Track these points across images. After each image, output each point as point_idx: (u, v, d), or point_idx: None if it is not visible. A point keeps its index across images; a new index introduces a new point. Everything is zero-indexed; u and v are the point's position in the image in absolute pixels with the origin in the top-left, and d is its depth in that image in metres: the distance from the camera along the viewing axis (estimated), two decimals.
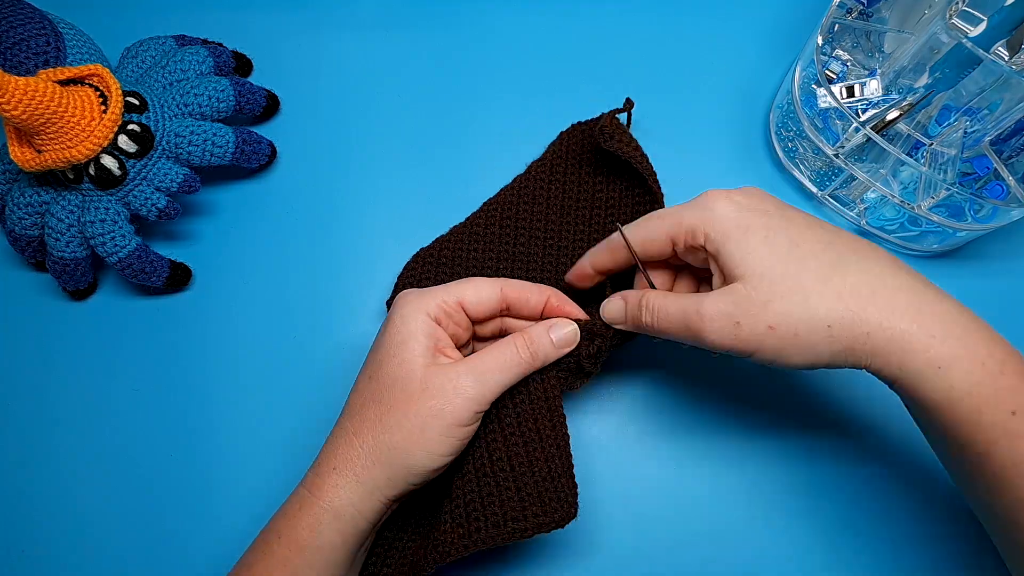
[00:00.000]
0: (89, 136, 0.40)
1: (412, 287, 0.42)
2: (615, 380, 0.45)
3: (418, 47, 0.54)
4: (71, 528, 0.43)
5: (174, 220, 0.46)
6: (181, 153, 0.45)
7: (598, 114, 0.48)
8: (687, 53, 0.53)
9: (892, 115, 0.45)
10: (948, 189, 0.42)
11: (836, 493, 0.42)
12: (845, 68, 0.48)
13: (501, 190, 0.47)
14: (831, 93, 0.44)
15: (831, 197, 0.49)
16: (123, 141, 0.42)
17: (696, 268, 0.38)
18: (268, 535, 0.35)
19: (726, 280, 0.34)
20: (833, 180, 0.47)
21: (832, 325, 0.31)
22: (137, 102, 0.43)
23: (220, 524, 0.42)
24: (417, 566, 0.35)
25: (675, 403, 0.44)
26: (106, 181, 0.42)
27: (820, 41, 0.44)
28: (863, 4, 0.47)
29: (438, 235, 0.46)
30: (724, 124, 0.52)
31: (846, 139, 0.45)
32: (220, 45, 0.51)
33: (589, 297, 0.41)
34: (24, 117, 0.37)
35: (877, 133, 0.43)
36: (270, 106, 0.51)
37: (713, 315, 0.32)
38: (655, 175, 0.44)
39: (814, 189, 0.49)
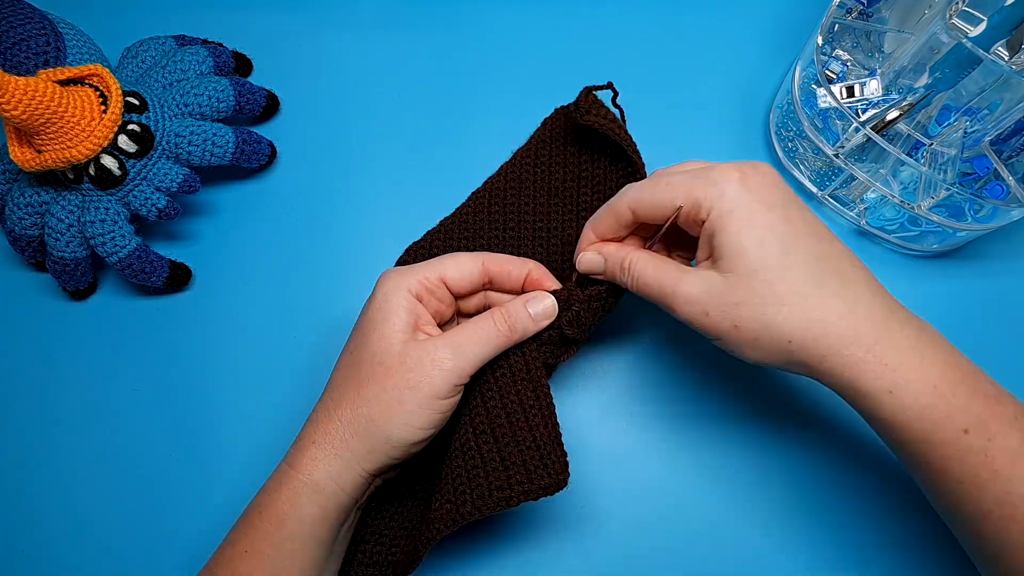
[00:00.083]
0: (89, 136, 0.40)
1: None
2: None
3: (418, 47, 0.54)
4: (71, 528, 0.43)
5: (174, 220, 0.46)
6: (181, 153, 0.45)
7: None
8: (687, 53, 0.53)
9: (892, 115, 0.45)
10: (948, 189, 0.42)
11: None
12: (845, 68, 0.48)
13: (487, 179, 0.47)
14: (831, 93, 0.44)
15: (831, 197, 0.49)
16: (123, 141, 0.42)
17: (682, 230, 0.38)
18: (250, 511, 0.35)
19: (711, 262, 0.34)
20: (833, 180, 0.47)
21: (792, 341, 0.32)
22: (137, 102, 0.43)
23: (220, 524, 0.42)
24: (413, 551, 0.36)
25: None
26: (106, 181, 0.42)
27: (820, 41, 0.44)
28: (863, 4, 0.47)
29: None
30: (724, 124, 0.52)
31: (846, 139, 0.45)
32: (220, 45, 0.51)
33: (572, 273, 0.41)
34: (24, 117, 0.37)
35: (877, 133, 0.43)
36: (270, 106, 0.51)
37: (686, 298, 0.34)
38: (634, 145, 0.44)
39: (814, 189, 0.49)
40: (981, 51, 0.42)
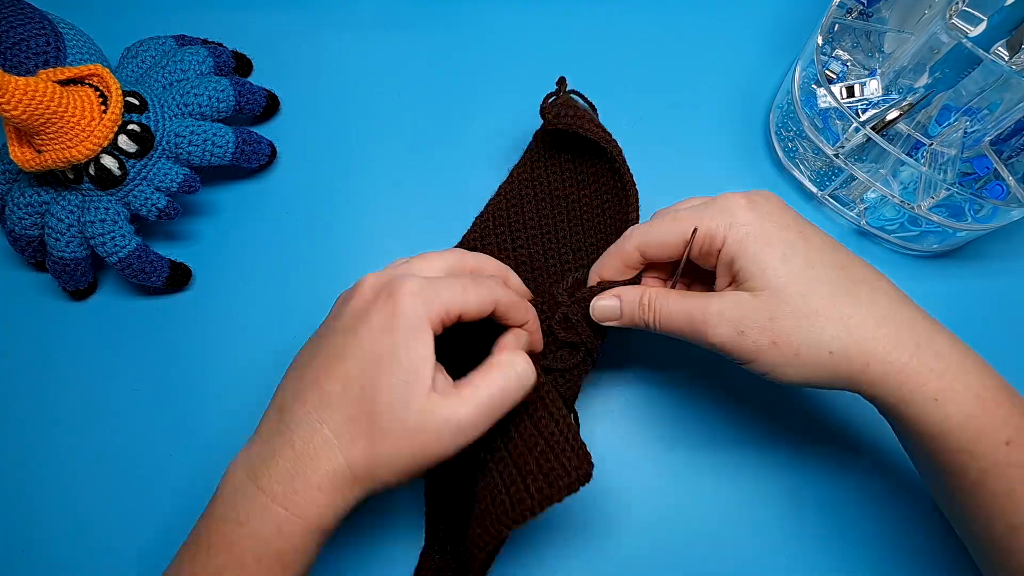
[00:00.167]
0: (89, 136, 0.40)
1: None
2: (609, 380, 0.45)
3: (418, 47, 0.54)
4: (71, 528, 0.43)
5: (174, 220, 0.46)
6: (181, 153, 0.45)
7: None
8: (687, 53, 0.53)
9: (892, 115, 0.45)
10: (948, 189, 0.42)
11: (830, 492, 0.42)
12: (845, 68, 0.48)
13: (488, 203, 0.47)
14: (831, 93, 0.44)
15: (831, 197, 0.49)
16: (123, 141, 0.42)
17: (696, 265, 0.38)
18: (242, 555, 0.31)
19: (735, 285, 0.34)
20: (833, 180, 0.47)
21: (834, 351, 0.32)
22: (137, 102, 0.43)
23: None
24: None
25: (671, 402, 0.45)
26: (106, 181, 0.42)
27: (820, 41, 0.44)
28: (863, 4, 0.47)
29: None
30: (724, 124, 0.52)
31: (846, 139, 0.45)
32: (220, 45, 0.51)
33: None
34: (24, 117, 0.37)
35: (877, 133, 0.43)
36: (270, 106, 0.51)
37: (719, 320, 0.33)
38: (608, 135, 0.43)
39: (814, 189, 0.49)
40: (981, 51, 0.42)
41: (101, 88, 0.42)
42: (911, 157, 0.43)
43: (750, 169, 0.50)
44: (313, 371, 0.32)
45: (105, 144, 0.41)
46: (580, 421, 0.40)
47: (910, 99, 0.45)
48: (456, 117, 0.52)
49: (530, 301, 0.38)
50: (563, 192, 0.47)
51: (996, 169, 0.43)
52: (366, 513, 0.40)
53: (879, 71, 0.47)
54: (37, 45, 0.42)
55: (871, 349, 0.31)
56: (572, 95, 0.46)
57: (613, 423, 0.44)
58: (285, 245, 0.49)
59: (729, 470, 0.43)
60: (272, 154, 0.50)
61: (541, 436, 0.35)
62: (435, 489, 0.41)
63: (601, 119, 0.48)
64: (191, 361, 0.46)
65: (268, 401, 0.45)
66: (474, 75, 0.53)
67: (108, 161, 0.42)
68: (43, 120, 0.38)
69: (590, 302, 0.38)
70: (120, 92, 0.42)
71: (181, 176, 0.44)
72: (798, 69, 0.47)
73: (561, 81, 0.45)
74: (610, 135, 0.43)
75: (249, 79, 0.52)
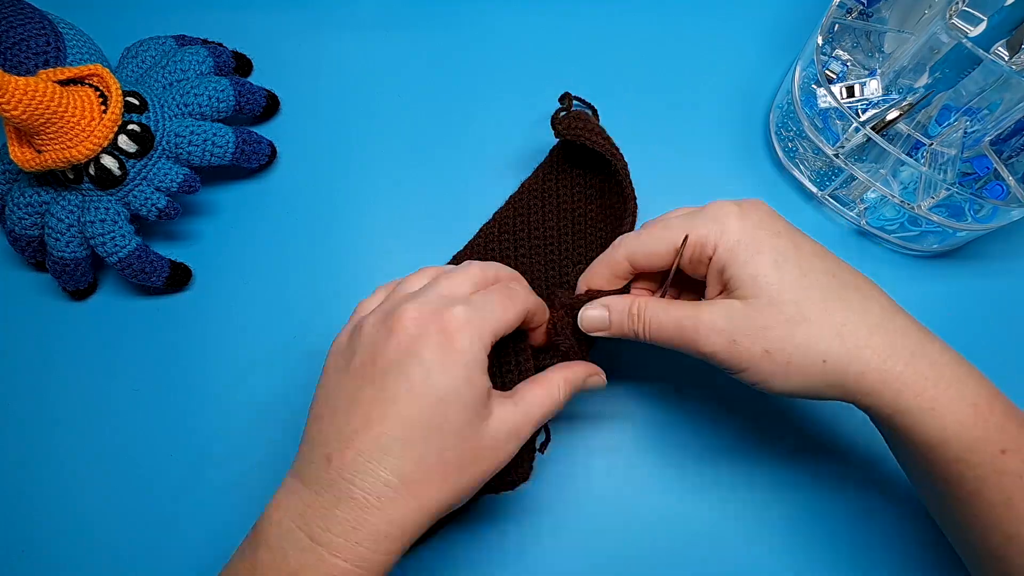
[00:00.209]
0: (89, 136, 0.40)
1: None
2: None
3: (418, 47, 0.54)
4: (71, 528, 0.43)
5: (174, 220, 0.46)
6: (181, 153, 0.45)
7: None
8: (687, 53, 0.53)
9: (892, 115, 0.45)
10: (948, 189, 0.42)
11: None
12: (845, 68, 0.48)
13: (495, 213, 0.47)
14: (831, 93, 0.44)
15: (831, 197, 0.49)
16: (123, 141, 0.42)
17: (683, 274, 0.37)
18: None
19: (726, 294, 0.34)
20: (833, 180, 0.47)
21: (828, 360, 0.31)
22: (137, 102, 0.43)
23: (220, 524, 0.42)
24: None
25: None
26: (106, 181, 0.42)
27: (820, 41, 0.44)
28: (863, 4, 0.47)
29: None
30: (724, 124, 0.52)
31: (846, 139, 0.45)
32: (220, 45, 0.51)
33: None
34: (24, 117, 0.37)
35: (877, 133, 0.43)
36: (270, 106, 0.51)
37: (710, 328, 0.33)
38: (615, 149, 0.43)
39: (814, 189, 0.49)
40: (981, 51, 0.42)
41: (101, 88, 0.42)
42: (911, 157, 0.43)
43: (750, 169, 0.50)
44: (362, 415, 0.31)
45: (105, 144, 0.41)
46: (552, 436, 0.39)
47: (910, 99, 0.45)
48: (456, 117, 0.52)
49: None
50: (570, 206, 0.47)
51: (996, 169, 0.43)
52: None
53: (879, 71, 0.47)
54: (37, 45, 0.42)
55: (866, 357, 0.31)
56: (573, 100, 0.46)
57: (603, 434, 0.44)
58: (285, 245, 0.49)
59: (720, 481, 0.42)
60: (272, 154, 0.50)
61: None
62: None
63: (601, 119, 0.48)
64: (191, 361, 0.46)
65: (268, 400, 0.45)
66: (474, 75, 0.53)
67: (108, 161, 0.42)
68: (43, 120, 0.38)
69: (578, 312, 0.37)
70: (120, 92, 0.42)
71: (181, 176, 0.44)
72: (798, 69, 0.47)
73: (565, 96, 0.46)
74: (617, 149, 0.43)
75: (249, 79, 0.52)
